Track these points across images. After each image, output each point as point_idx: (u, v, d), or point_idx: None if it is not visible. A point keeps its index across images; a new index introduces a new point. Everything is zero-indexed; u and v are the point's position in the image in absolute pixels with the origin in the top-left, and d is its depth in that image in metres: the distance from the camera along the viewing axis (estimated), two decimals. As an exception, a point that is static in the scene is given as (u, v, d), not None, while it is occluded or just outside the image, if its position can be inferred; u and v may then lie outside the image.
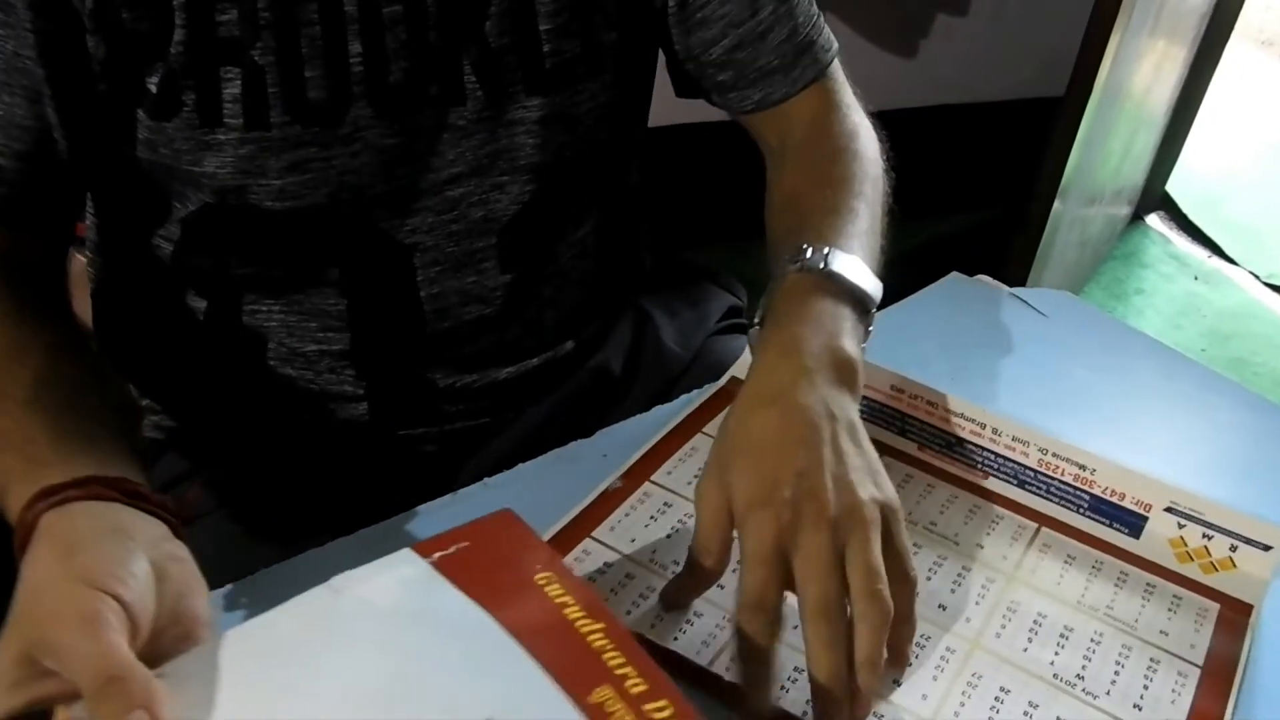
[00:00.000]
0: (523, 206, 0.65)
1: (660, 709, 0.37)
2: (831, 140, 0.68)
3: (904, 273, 0.70)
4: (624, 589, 0.52)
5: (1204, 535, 0.56)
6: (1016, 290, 0.80)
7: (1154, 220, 2.39)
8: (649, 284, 0.82)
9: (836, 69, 0.71)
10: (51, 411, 0.49)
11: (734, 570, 0.53)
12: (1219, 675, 0.51)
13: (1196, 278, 2.23)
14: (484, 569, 0.42)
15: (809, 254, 0.57)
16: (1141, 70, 1.79)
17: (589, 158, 0.68)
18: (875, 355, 0.59)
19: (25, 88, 0.54)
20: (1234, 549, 0.56)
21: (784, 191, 0.68)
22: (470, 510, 0.57)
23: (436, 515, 0.57)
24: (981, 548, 0.57)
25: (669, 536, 0.55)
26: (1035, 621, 0.53)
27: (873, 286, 0.57)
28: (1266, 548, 0.55)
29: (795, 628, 0.50)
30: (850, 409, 0.51)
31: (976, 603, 0.54)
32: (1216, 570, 0.56)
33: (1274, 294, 2.20)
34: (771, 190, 0.69)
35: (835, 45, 0.71)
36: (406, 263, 0.64)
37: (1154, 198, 2.40)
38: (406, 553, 0.42)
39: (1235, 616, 0.54)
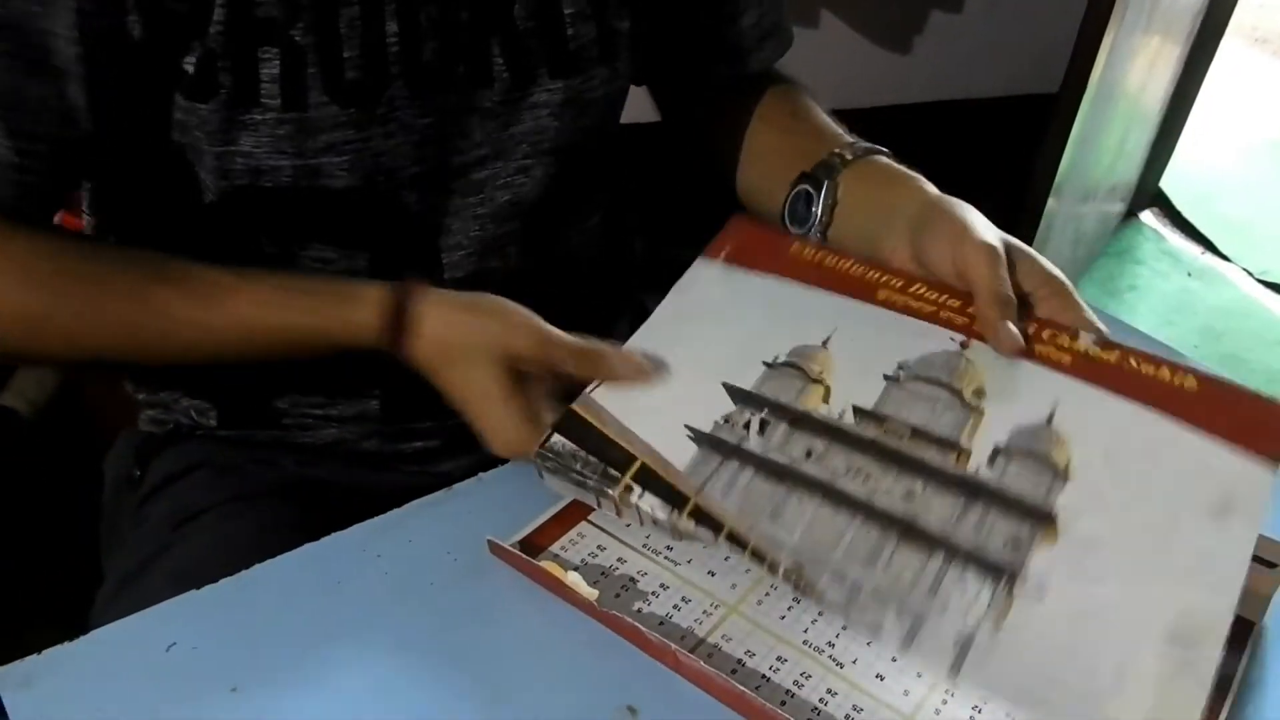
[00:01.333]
0: (545, 190, 0.67)
1: (926, 291, 0.58)
2: (791, 89, 0.76)
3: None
4: (615, 572, 0.53)
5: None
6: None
7: (1147, 217, 2.40)
8: (644, 279, 0.82)
9: None
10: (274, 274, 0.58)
11: (727, 559, 0.53)
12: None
13: (1189, 274, 2.24)
14: (754, 255, 0.62)
15: (851, 142, 0.67)
16: (1135, 67, 1.79)
17: (601, 143, 0.70)
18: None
19: (53, 68, 0.53)
20: None
21: (765, 119, 0.74)
22: (469, 506, 0.58)
23: (434, 511, 0.57)
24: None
25: (658, 523, 0.55)
26: None
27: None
28: (1271, 565, 0.53)
29: (806, 631, 0.50)
30: None
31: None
32: None
33: (1267, 291, 2.21)
34: (737, 124, 0.74)
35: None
36: (433, 245, 0.65)
37: (1147, 194, 2.40)
38: (702, 261, 0.63)
39: (1236, 631, 0.51)
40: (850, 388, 0.55)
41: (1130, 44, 1.67)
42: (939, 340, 0.56)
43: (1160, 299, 2.15)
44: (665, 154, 0.78)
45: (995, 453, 0.51)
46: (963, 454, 0.52)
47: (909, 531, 0.49)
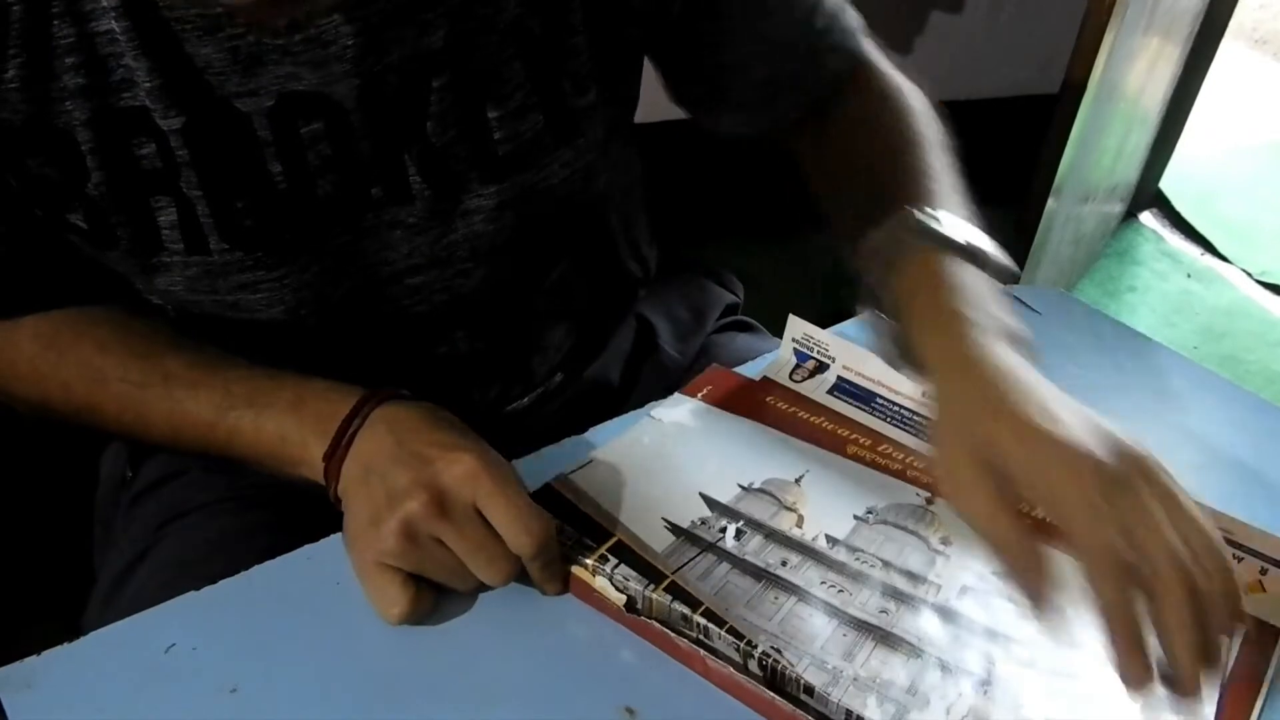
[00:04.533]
0: (489, 284, 0.63)
1: (894, 451, 0.61)
2: (880, 100, 0.67)
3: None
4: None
5: (1260, 570, 0.55)
6: (1010, 287, 0.80)
7: (1147, 218, 2.40)
8: (649, 285, 0.82)
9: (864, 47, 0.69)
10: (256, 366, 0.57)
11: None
12: (1244, 681, 0.49)
13: (1189, 275, 2.24)
14: (730, 400, 0.64)
15: (920, 220, 0.54)
16: (1136, 68, 1.79)
17: (565, 216, 0.64)
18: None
19: None
20: (1264, 572, 0.54)
21: (845, 157, 0.65)
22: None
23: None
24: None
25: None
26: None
27: (989, 245, 0.55)
28: None
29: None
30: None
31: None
32: (1243, 594, 0.55)
33: (1266, 292, 2.20)
34: (821, 156, 0.67)
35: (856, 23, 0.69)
36: (377, 342, 0.63)
37: (1147, 195, 2.40)
38: (678, 395, 0.64)
39: (1261, 639, 0.52)
40: (822, 519, 0.56)
41: (1130, 45, 1.67)
42: (905, 494, 0.59)
43: (1160, 300, 2.15)
44: (679, 152, 0.76)
45: (964, 589, 0.53)
46: (933, 586, 0.53)
47: (886, 638, 0.50)
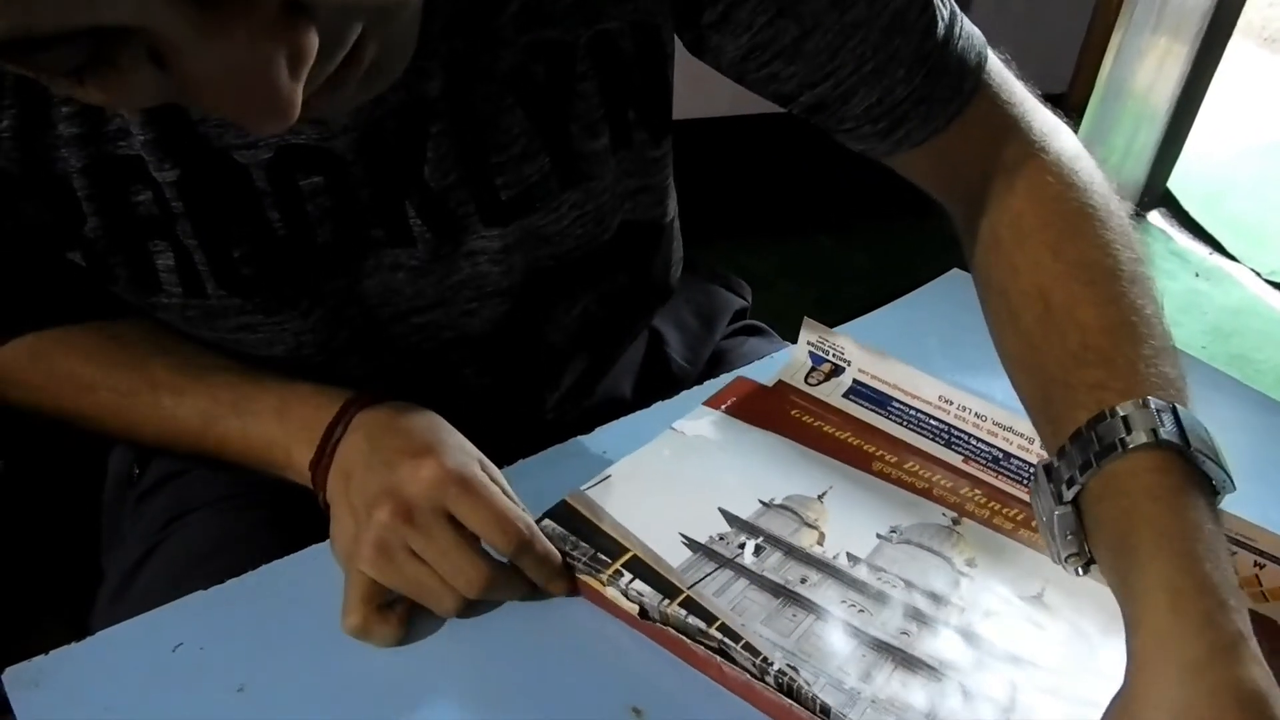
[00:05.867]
0: (496, 325, 0.61)
1: (920, 469, 0.60)
2: (1048, 190, 0.55)
3: (906, 270, 0.70)
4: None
5: (1255, 564, 0.55)
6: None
7: (1155, 217, 2.39)
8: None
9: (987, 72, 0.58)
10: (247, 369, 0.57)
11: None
12: None
13: (1198, 274, 2.23)
14: (755, 413, 0.64)
15: (1136, 421, 0.43)
16: (1143, 67, 1.79)
17: (581, 259, 0.62)
18: (877, 352, 0.59)
19: None
20: (1260, 566, 0.54)
21: (1019, 286, 0.53)
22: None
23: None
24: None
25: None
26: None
27: (1227, 466, 0.44)
28: None
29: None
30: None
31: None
32: (1268, 600, 0.54)
33: (1275, 291, 2.20)
34: (988, 274, 0.55)
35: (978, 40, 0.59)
36: (381, 377, 0.61)
37: (1155, 195, 2.39)
38: (701, 408, 0.64)
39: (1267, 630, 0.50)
40: (844, 538, 0.56)
41: (1138, 44, 1.67)
42: (931, 514, 0.58)
43: (1168, 299, 2.12)
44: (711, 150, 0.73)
45: (989, 613, 0.52)
46: (955, 609, 0.52)
47: (907, 660, 0.49)
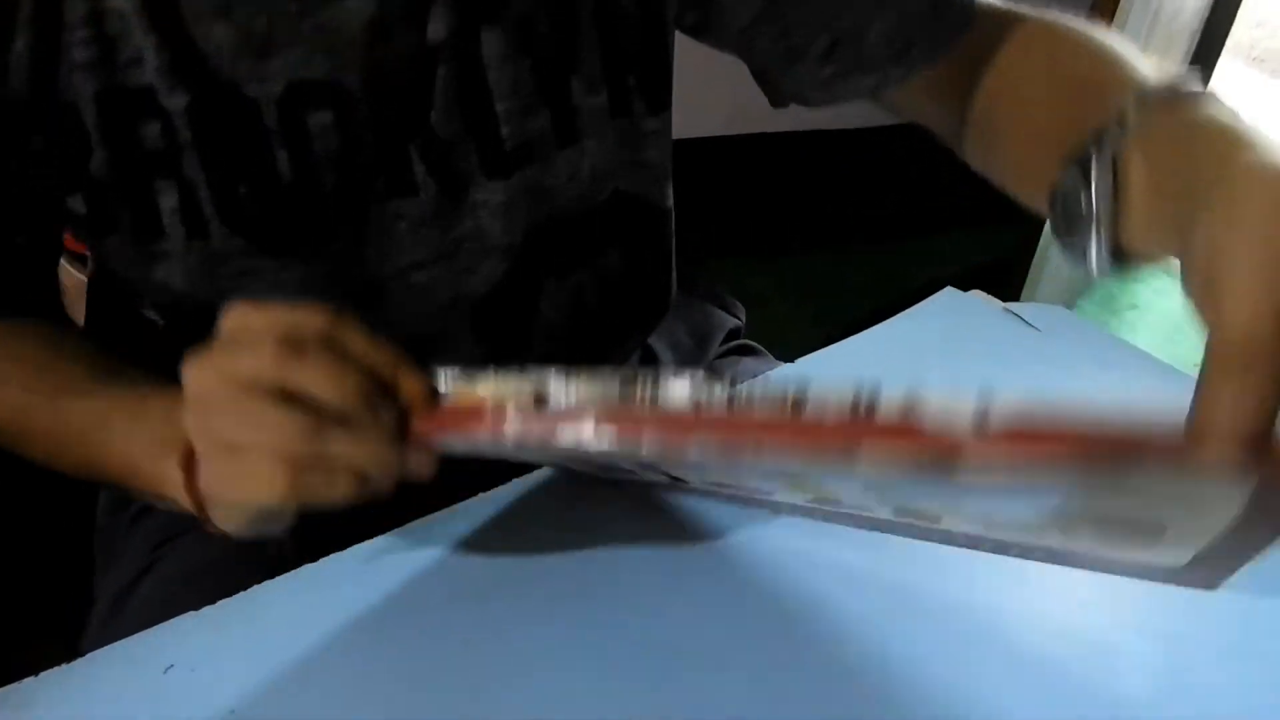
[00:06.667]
0: (496, 285, 0.62)
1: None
2: (1039, 24, 0.58)
3: (897, 288, 0.70)
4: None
5: None
6: (1011, 305, 0.80)
7: (1147, 235, 2.41)
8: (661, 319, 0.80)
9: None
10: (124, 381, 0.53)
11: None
12: None
13: (1190, 292, 2.24)
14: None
15: (1179, 80, 0.47)
16: (1134, 87, 1.80)
17: (576, 222, 0.63)
18: (869, 372, 0.59)
19: None
20: None
21: (1024, 80, 0.57)
22: (470, 525, 0.57)
23: (435, 531, 0.57)
24: None
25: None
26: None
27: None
28: None
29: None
30: None
31: None
32: None
33: (1267, 309, 2.21)
34: (985, 95, 0.59)
35: None
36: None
37: (1147, 213, 2.41)
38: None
39: None
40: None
41: (1129, 63, 1.68)
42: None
43: (1161, 317, 2.15)
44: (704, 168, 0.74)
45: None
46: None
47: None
